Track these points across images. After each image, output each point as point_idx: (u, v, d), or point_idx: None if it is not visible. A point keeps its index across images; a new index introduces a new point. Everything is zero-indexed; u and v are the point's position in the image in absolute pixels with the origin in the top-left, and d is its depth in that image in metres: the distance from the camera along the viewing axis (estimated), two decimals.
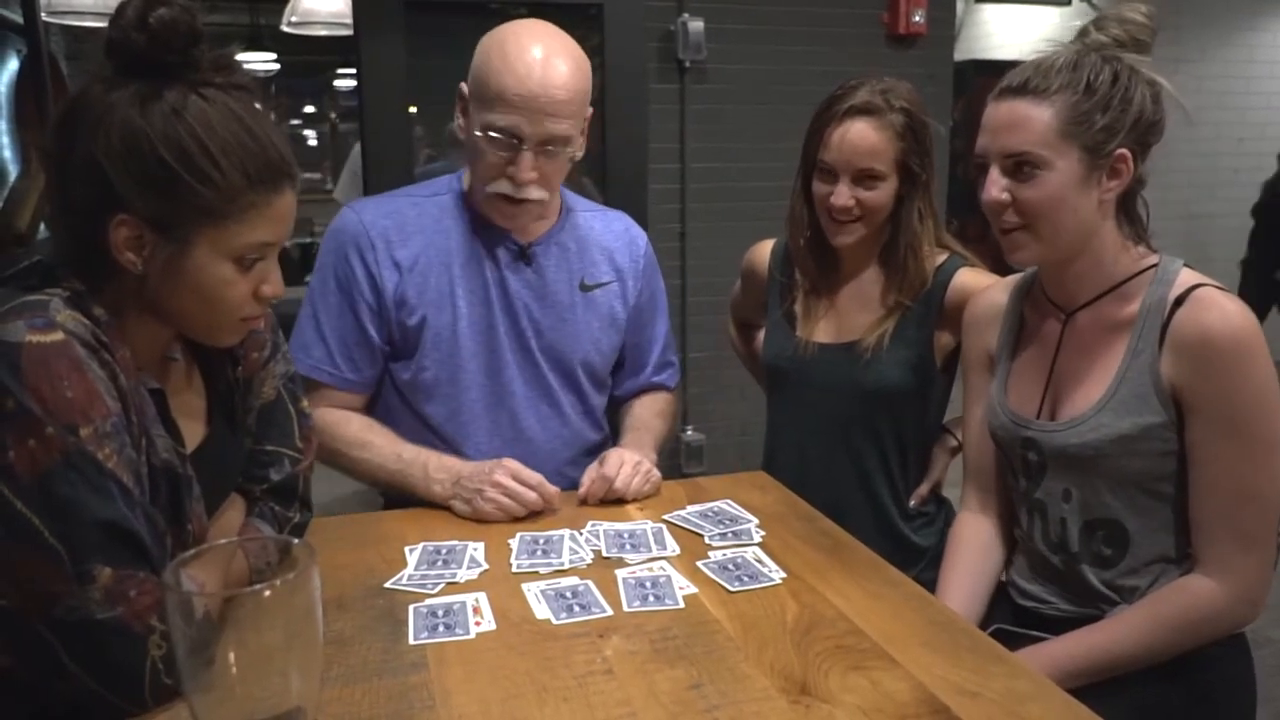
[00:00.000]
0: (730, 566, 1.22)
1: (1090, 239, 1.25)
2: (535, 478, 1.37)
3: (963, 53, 5.77)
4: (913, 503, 1.69)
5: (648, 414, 1.71)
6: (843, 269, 1.70)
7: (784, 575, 1.20)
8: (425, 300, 1.50)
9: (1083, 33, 1.26)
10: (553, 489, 1.38)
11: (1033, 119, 1.20)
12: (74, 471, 0.86)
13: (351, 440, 1.48)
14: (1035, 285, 1.38)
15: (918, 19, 4.00)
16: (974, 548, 1.42)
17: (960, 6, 5.09)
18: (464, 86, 1.46)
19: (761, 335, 1.84)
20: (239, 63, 0.98)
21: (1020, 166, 1.22)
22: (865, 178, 1.56)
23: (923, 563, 1.65)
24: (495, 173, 1.43)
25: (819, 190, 1.61)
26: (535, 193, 1.44)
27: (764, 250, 1.83)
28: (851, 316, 1.68)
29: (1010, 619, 1.36)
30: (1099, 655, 1.22)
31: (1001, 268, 1.43)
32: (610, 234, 1.67)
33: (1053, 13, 6.13)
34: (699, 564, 1.23)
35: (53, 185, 0.98)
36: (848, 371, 1.64)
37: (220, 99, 0.95)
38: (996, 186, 1.23)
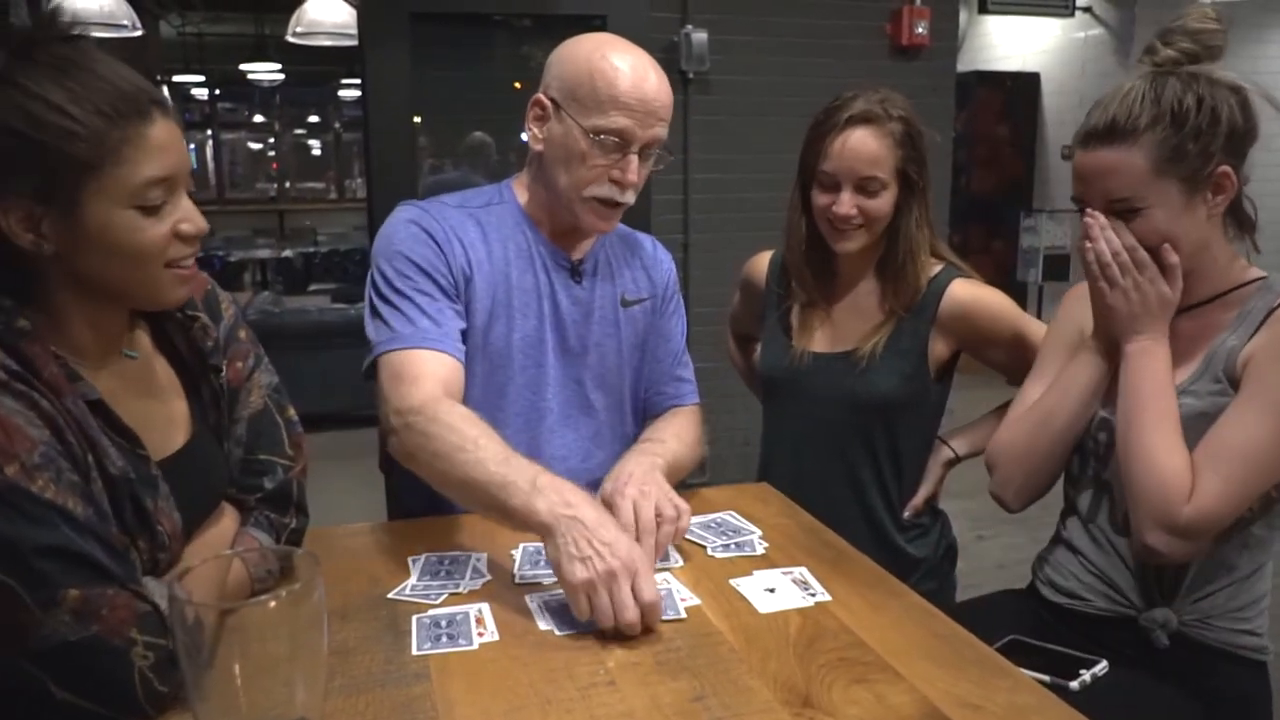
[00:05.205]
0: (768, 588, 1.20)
1: (1204, 252, 1.26)
2: (651, 597, 1.08)
3: (965, 64, 5.77)
4: (907, 514, 1.69)
5: (664, 432, 1.54)
6: (840, 279, 1.71)
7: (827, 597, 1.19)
8: (484, 306, 1.46)
9: (1150, 50, 1.25)
10: (655, 617, 1.10)
11: (1125, 165, 1.21)
12: (8, 508, 0.84)
13: (456, 427, 1.25)
14: None
15: (921, 30, 4.02)
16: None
17: (963, 18, 5.10)
18: (544, 97, 1.44)
19: (759, 349, 1.84)
20: (61, 13, 0.94)
21: (1123, 209, 1.23)
22: (867, 186, 1.57)
23: (918, 574, 1.65)
24: (598, 175, 1.42)
25: (820, 200, 1.61)
26: (632, 196, 1.45)
27: (762, 262, 1.83)
28: (847, 326, 1.68)
29: (1029, 628, 1.34)
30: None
31: (999, 280, 1.43)
32: (644, 251, 1.65)
33: (1055, 24, 6.14)
34: (732, 581, 1.22)
35: None
36: (842, 381, 1.64)
37: (48, 53, 0.92)
38: (1109, 230, 1.24)
